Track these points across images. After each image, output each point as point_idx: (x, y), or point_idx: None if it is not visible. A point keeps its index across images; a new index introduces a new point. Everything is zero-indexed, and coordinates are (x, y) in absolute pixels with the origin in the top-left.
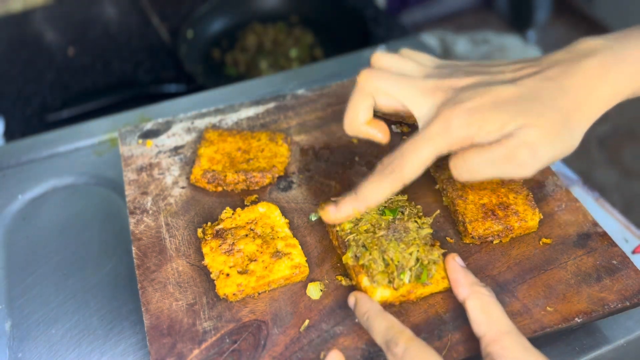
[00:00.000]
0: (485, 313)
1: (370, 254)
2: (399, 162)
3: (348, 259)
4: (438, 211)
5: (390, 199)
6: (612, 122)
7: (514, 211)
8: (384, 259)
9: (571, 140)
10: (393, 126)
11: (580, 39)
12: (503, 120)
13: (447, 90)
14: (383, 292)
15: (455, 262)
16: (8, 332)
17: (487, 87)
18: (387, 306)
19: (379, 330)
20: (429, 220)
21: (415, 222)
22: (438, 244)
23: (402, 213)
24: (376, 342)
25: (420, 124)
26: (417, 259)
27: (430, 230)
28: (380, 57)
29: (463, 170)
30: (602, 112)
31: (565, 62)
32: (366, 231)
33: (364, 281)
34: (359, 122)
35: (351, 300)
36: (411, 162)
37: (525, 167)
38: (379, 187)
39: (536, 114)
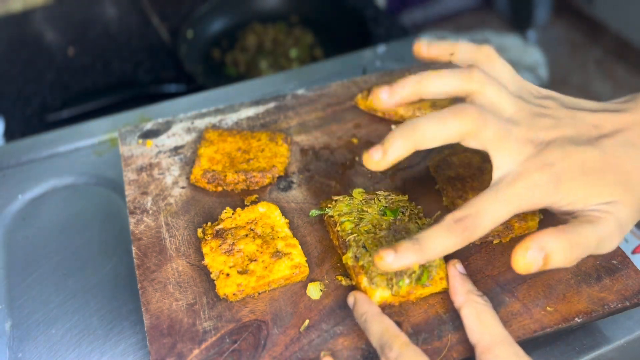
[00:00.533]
0: (480, 321)
1: (370, 255)
2: (472, 221)
3: (348, 259)
4: (439, 212)
5: (391, 199)
6: None
7: None
8: None
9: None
10: (393, 126)
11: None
12: (590, 192)
13: (536, 143)
14: (382, 293)
15: (455, 269)
16: (8, 332)
17: (574, 148)
18: (387, 306)
19: (374, 333)
20: (430, 221)
21: (417, 223)
22: None
23: (403, 214)
24: (372, 344)
25: (497, 173)
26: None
27: None
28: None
29: (570, 254)
30: None
31: (637, 126)
32: (367, 232)
33: (364, 282)
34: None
35: (350, 300)
36: (487, 221)
37: (612, 245)
38: (446, 242)
39: (624, 190)
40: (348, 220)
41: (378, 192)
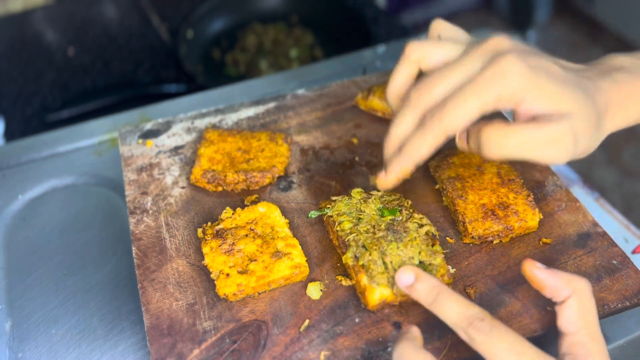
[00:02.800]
0: (582, 314)
1: (370, 254)
2: (439, 112)
3: (348, 258)
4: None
5: (385, 199)
6: None
7: (514, 211)
8: (383, 261)
9: (595, 142)
10: None
11: (609, 54)
12: (559, 94)
13: (507, 50)
14: (383, 292)
15: (540, 270)
16: (8, 332)
17: (549, 58)
18: (387, 305)
19: (452, 310)
20: (424, 218)
21: (416, 222)
22: (437, 243)
23: (401, 213)
24: (447, 322)
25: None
26: (420, 262)
27: (430, 227)
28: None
29: (497, 145)
30: (626, 124)
31: (598, 70)
32: (366, 232)
33: (364, 280)
34: (402, 92)
35: (406, 276)
36: (455, 112)
37: (561, 155)
38: (422, 141)
39: (585, 104)
40: (347, 220)
41: (372, 193)
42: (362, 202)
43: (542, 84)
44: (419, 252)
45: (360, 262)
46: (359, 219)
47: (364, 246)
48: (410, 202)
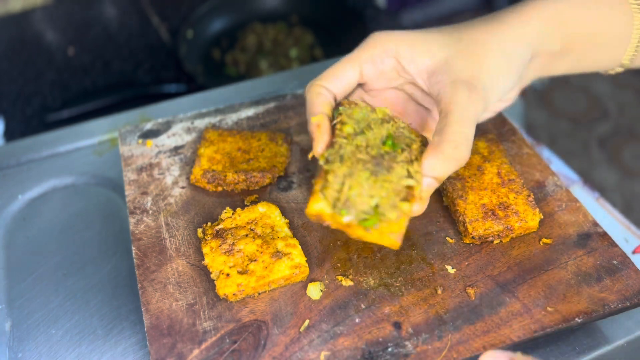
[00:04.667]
0: None
1: (339, 167)
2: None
3: (322, 157)
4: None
5: (403, 132)
6: (612, 121)
7: (514, 211)
8: (343, 182)
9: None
10: None
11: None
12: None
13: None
14: (324, 207)
15: None
16: (8, 332)
17: None
18: (322, 221)
19: None
20: (418, 173)
21: (407, 170)
22: (411, 201)
23: (402, 151)
24: None
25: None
26: (376, 206)
27: (412, 182)
28: None
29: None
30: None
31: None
32: (356, 146)
33: (317, 186)
34: (329, 97)
35: None
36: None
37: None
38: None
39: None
40: (351, 125)
41: (397, 120)
42: (380, 121)
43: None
44: (382, 196)
45: (327, 167)
46: (363, 132)
47: (341, 156)
48: (419, 149)
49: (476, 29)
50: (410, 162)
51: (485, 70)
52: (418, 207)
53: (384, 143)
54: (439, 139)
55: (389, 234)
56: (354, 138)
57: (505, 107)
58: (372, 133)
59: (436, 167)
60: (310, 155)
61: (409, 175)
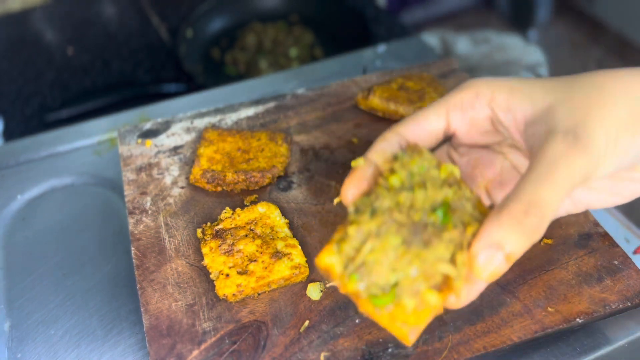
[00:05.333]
0: None
1: (366, 221)
2: None
3: (353, 204)
4: None
5: (463, 195)
6: None
7: None
8: (365, 241)
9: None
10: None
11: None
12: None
13: None
14: (331, 260)
15: None
16: (7, 332)
17: None
18: (327, 276)
19: None
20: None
21: (452, 253)
22: (444, 293)
23: (454, 227)
24: None
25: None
26: (395, 284)
27: (451, 271)
28: None
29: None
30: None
31: None
32: (398, 204)
33: (334, 235)
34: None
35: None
36: None
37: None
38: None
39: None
40: (400, 177)
41: (464, 187)
42: (440, 182)
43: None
44: (407, 275)
45: (352, 217)
46: (412, 188)
47: (374, 209)
48: (476, 226)
49: (597, 73)
50: (460, 245)
51: (599, 118)
52: (454, 300)
53: (434, 210)
54: (508, 199)
55: (401, 324)
56: (398, 193)
57: (635, 193)
58: (423, 193)
59: (492, 235)
60: (336, 201)
61: (452, 261)
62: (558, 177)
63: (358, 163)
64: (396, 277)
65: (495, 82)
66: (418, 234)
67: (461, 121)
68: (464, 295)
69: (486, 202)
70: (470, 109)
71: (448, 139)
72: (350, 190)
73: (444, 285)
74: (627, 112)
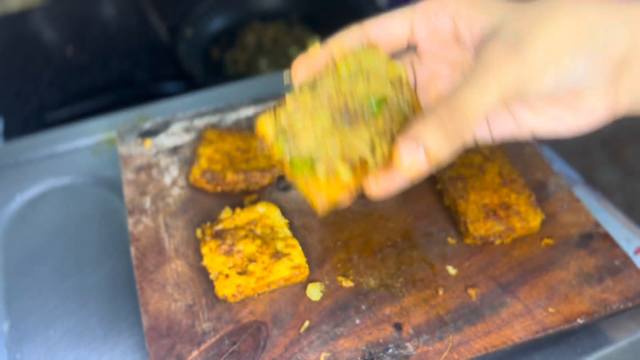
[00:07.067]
0: None
1: (304, 96)
2: None
3: (297, 82)
4: None
5: (404, 98)
6: (614, 121)
7: (515, 211)
8: (298, 111)
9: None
10: None
11: None
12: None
13: None
14: (267, 123)
15: None
16: (6, 333)
17: None
18: (264, 144)
19: None
20: (386, 151)
21: (373, 140)
22: (357, 175)
23: (383, 120)
24: None
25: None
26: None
27: (366, 154)
28: None
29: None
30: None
31: None
32: (338, 89)
33: (280, 112)
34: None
35: None
36: None
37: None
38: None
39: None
40: (349, 67)
41: (408, 91)
42: (386, 80)
43: None
44: (326, 148)
45: (294, 92)
46: (356, 80)
47: (314, 87)
48: (412, 98)
49: None
50: (384, 136)
51: (544, 31)
52: (374, 185)
53: (374, 105)
54: (438, 101)
55: (317, 194)
56: (342, 81)
57: (585, 124)
58: (365, 85)
59: (415, 129)
60: (286, 80)
61: (372, 147)
62: (487, 80)
63: (314, 47)
64: (318, 150)
65: None
66: (347, 118)
67: (425, 30)
68: (382, 184)
69: None
70: (434, 19)
71: (412, 49)
72: (300, 69)
73: (362, 169)
74: (575, 31)
